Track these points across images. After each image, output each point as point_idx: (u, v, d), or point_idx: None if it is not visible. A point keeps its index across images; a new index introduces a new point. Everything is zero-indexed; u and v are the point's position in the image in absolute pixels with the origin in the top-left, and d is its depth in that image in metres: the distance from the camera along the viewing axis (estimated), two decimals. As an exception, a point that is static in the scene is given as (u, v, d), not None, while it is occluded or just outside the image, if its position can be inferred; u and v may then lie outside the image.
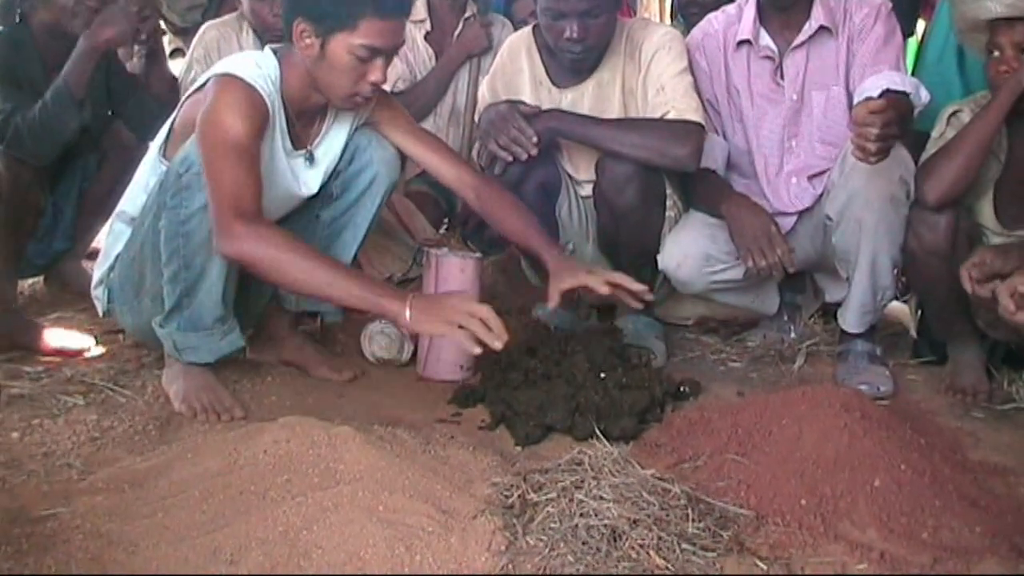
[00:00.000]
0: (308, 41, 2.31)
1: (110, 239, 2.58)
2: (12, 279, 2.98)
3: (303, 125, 2.48)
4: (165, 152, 2.45)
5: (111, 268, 2.55)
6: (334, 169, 2.57)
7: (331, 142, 2.55)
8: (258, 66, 2.34)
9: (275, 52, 2.40)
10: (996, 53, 2.59)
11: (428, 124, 3.57)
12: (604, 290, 2.44)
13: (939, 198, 2.55)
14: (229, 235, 2.15)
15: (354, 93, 2.36)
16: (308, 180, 2.53)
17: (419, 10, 3.82)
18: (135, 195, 2.51)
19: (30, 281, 3.36)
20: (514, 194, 2.78)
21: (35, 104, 2.91)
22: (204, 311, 2.38)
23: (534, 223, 2.62)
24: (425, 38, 3.79)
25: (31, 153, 2.91)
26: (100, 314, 2.64)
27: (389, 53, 2.34)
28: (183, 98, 2.46)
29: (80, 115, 2.94)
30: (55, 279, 3.35)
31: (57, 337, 2.76)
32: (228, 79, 2.29)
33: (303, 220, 2.63)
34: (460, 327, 2.13)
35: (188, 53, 3.46)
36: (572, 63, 2.86)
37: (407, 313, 2.13)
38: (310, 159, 2.51)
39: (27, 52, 3.04)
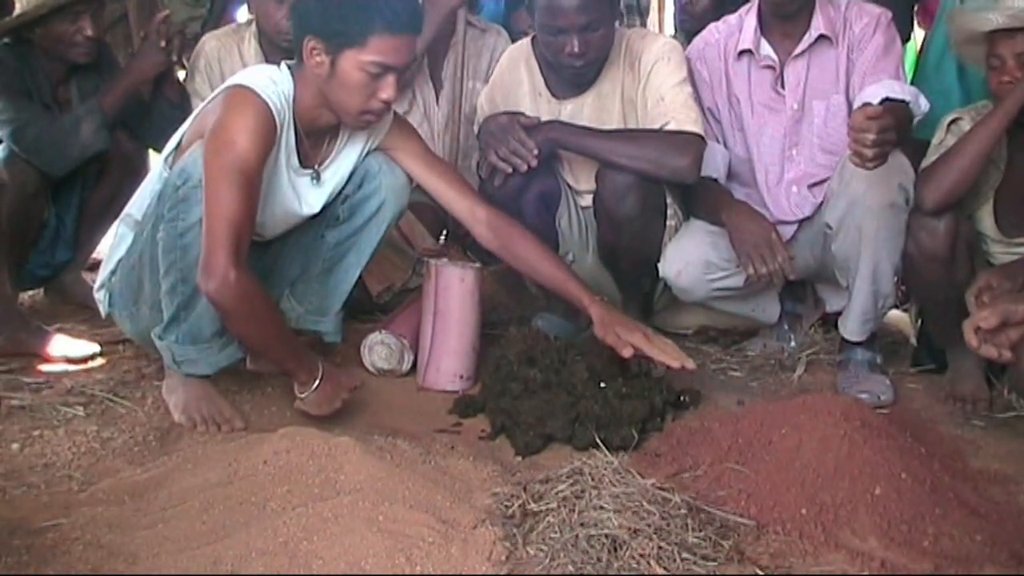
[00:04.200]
0: (319, 59, 2.29)
1: (114, 242, 2.56)
2: (14, 289, 2.98)
3: (313, 144, 2.46)
4: (172, 163, 2.42)
5: (112, 272, 2.53)
6: (341, 192, 2.56)
7: (341, 163, 2.53)
8: (273, 81, 2.32)
9: (290, 69, 2.37)
10: (998, 64, 2.59)
11: (423, 132, 3.52)
12: (667, 361, 2.41)
13: (937, 203, 2.56)
14: (222, 280, 2.14)
15: (365, 110, 2.34)
16: (311, 199, 2.51)
17: None
18: (142, 199, 2.48)
19: (30, 292, 3.35)
20: (514, 205, 2.78)
21: (47, 116, 2.95)
22: (203, 324, 2.37)
23: (563, 266, 2.60)
24: None
25: (48, 163, 2.93)
26: (103, 315, 2.62)
27: (400, 70, 2.32)
28: (196, 111, 2.44)
29: (107, 137, 3.00)
30: (55, 290, 3.34)
31: (63, 345, 2.77)
32: (242, 91, 2.27)
33: (308, 238, 2.62)
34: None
35: (189, 63, 3.47)
36: (573, 77, 2.86)
37: (313, 386, 2.34)
38: (316, 179, 2.49)
39: (32, 66, 3.05)
